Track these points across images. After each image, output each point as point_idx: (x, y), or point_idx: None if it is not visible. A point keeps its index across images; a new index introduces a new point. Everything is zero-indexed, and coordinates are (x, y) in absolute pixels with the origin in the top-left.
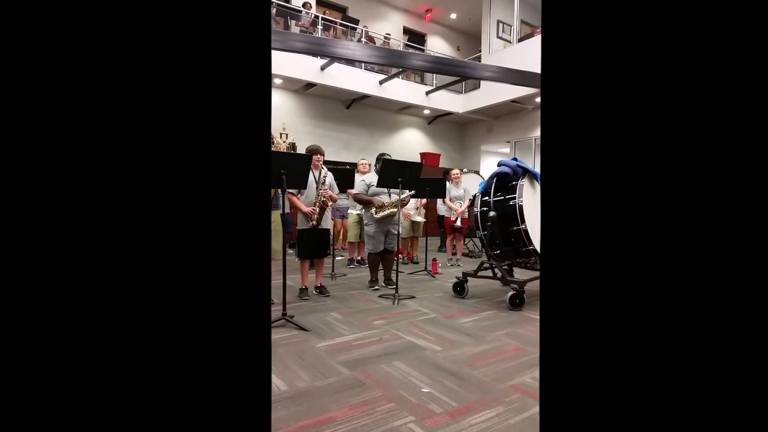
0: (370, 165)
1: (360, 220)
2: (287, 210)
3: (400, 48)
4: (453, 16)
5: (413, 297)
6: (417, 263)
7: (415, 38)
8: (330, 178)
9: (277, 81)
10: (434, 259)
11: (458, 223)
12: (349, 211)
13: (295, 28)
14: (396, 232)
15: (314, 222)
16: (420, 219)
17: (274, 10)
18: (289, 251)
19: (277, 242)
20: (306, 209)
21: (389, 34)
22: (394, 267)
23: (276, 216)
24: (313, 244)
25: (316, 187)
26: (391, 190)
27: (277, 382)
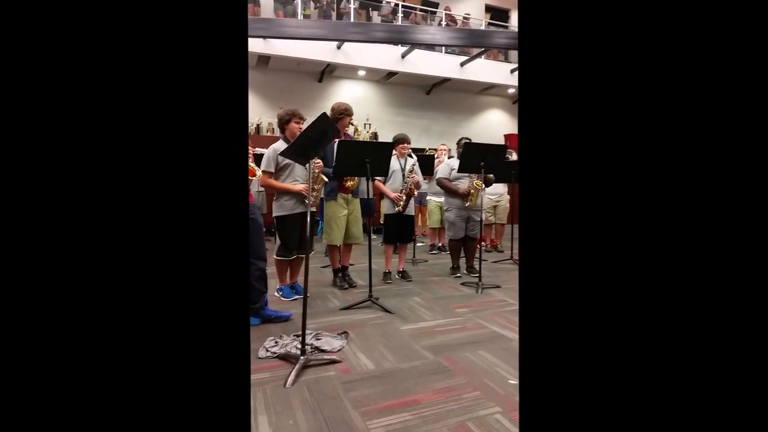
0: (449, 150)
1: (440, 206)
2: (371, 196)
3: (482, 27)
4: None
5: (498, 286)
6: (501, 252)
7: (498, 15)
8: (416, 165)
9: (360, 73)
10: None
11: None
12: (428, 197)
13: (376, 19)
14: (478, 219)
15: (400, 208)
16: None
17: (357, 3)
18: (374, 236)
19: (357, 229)
20: (393, 195)
21: (469, 14)
22: (477, 254)
23: (356, 204)
24: (399, 230)
25: (403, 175)
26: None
27: (365, 361)
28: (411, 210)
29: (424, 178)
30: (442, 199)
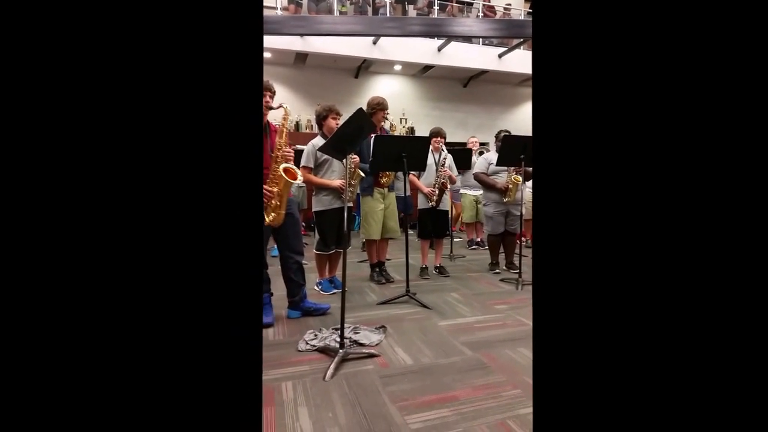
0: (486, 145)
1: (475, 199)
2: (408, 193)
3: (521, 17)
4: None
5: None
6: None
7: None
8: (449, 160)
9: (396, 67)
10: None
11: None
12: (462, 191)
13: (412, 12)
14: (518, 213)
15: (433, 203)
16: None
17: None
18: (411, 232)
19: (394, 222)
20: (426, 189)
21: (510, 4)
22: (517, 250)
23: (391, 198)
24: (433, 224)
25: (436, 169)
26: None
27: (403, 356)
28: (446, 205)
29: (459, 172)
30: (477, 193)
